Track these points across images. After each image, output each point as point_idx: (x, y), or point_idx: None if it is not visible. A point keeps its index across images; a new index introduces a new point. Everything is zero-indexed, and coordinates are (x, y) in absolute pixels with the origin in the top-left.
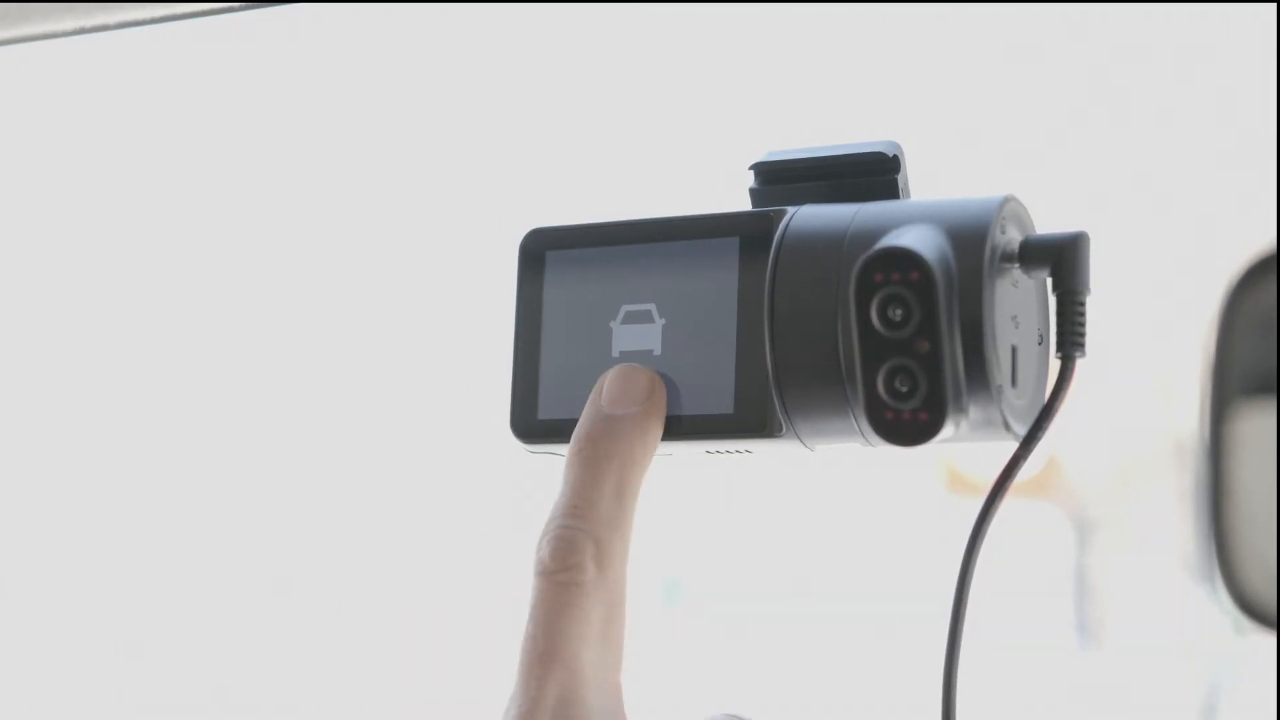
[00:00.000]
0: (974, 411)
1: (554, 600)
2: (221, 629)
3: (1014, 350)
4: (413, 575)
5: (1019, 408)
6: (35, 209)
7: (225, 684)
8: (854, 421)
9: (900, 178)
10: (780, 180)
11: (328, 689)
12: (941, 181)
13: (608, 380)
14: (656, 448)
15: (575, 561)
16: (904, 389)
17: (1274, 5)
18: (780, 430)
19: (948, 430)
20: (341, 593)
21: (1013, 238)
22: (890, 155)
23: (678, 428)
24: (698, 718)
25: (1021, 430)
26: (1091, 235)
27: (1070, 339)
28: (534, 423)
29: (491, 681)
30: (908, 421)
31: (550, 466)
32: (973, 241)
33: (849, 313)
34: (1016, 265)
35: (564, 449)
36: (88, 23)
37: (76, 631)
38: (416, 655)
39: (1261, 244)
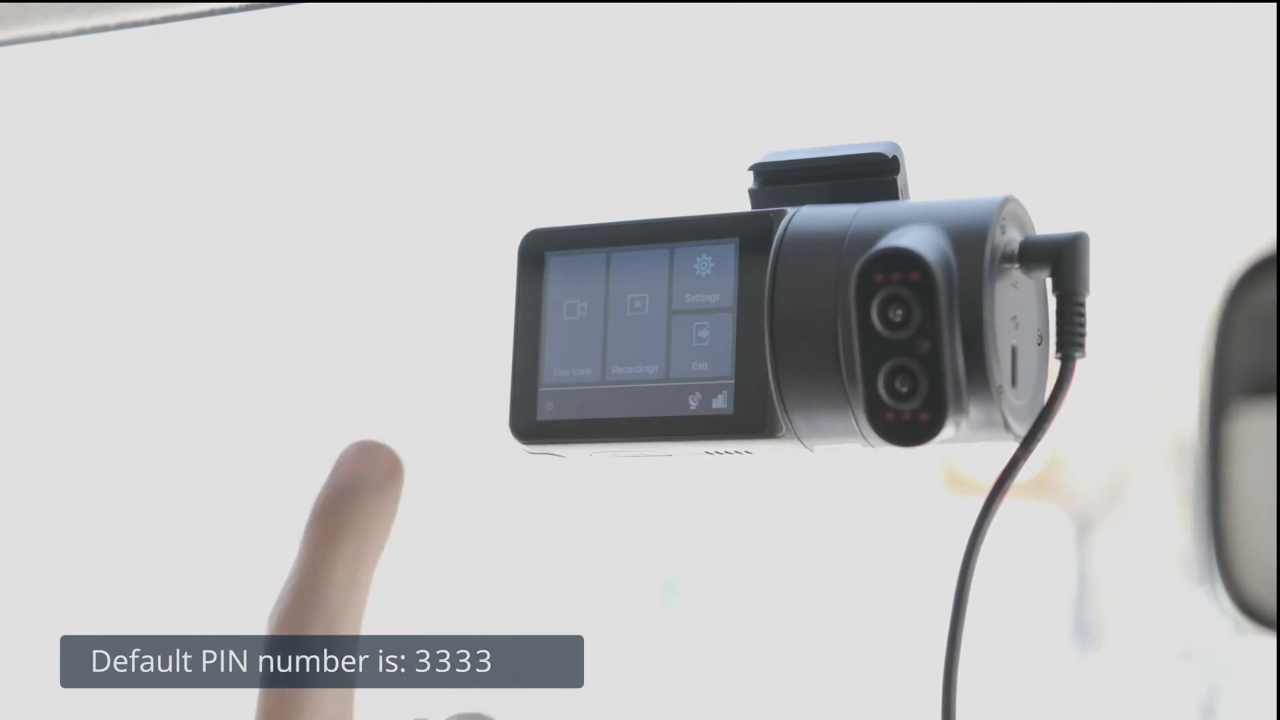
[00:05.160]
0: (974, 412)
1: (284, 695)
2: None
3: (1014, 350)
4: (411, 575)
5: (1019, 408)
6: (35, 210)
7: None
8: (854, 421)
9: (900, 178)
10: (780, 181)
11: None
12: (941, 181)
13: (348, 452)
14: (393, 525)
15: (307, 646)
16: (904, 389)
17: (1274, 5)
18: (780, 430)
19: (948, 430)
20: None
21: (1013, 238)
22: (890, 156)
23: (678, 428)
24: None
25: (1021, 430)
26: (1091, 236)
27: (1070, 339)
28: (533, 423)
29: None
30: (908, 421)
31: (550, 466)
32: (973, 242)
33: (849, 313)
34: (1016, 266)
35: (563, 450)
36: (88, 23)
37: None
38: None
39: (1261, 244)
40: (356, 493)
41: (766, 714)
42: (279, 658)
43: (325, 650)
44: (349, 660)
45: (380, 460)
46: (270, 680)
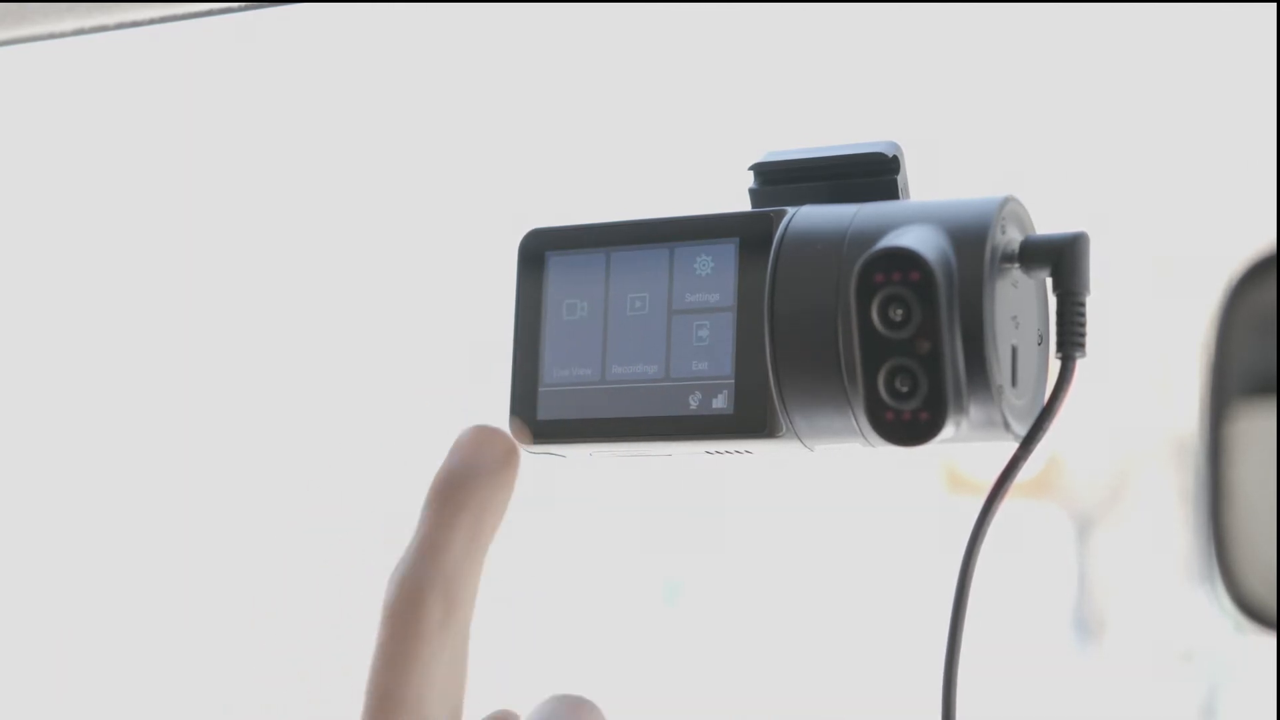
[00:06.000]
0: (974, 411)
1: (400, 643)
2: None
3: (1014, 350)
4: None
5: (1019, 408)
6: (35, 210)
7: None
8: (854, 421)
9: (900, 178)
10: (780, 181)
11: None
12: (941, 181)
13: (465, 435)
14: (509, 504)
15: (423, 604)
16: (904, 389)
17: (1274, 5)
18: (780, 430)
19: (948, 430)
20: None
21: (1013, 238)
22: (890, 155)
23: (678, 428)
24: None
25: (1021, 430)
26: (1091, 235)
27: (1070, 339)
28: (533, 423)
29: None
30: (908, 421)
31: (550, 466)
32: (973, 242)
33: (849, 313)
34: (1017, 265)
35: (563, 450)
36: (88, 23)
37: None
38: None
39: (1261, 244)
40: (473, 473)
41: (768, 713)
42: (395, 620)
43: (441, 615)
44: (463, 627)
45: (495, 445)
46: (385, 642)
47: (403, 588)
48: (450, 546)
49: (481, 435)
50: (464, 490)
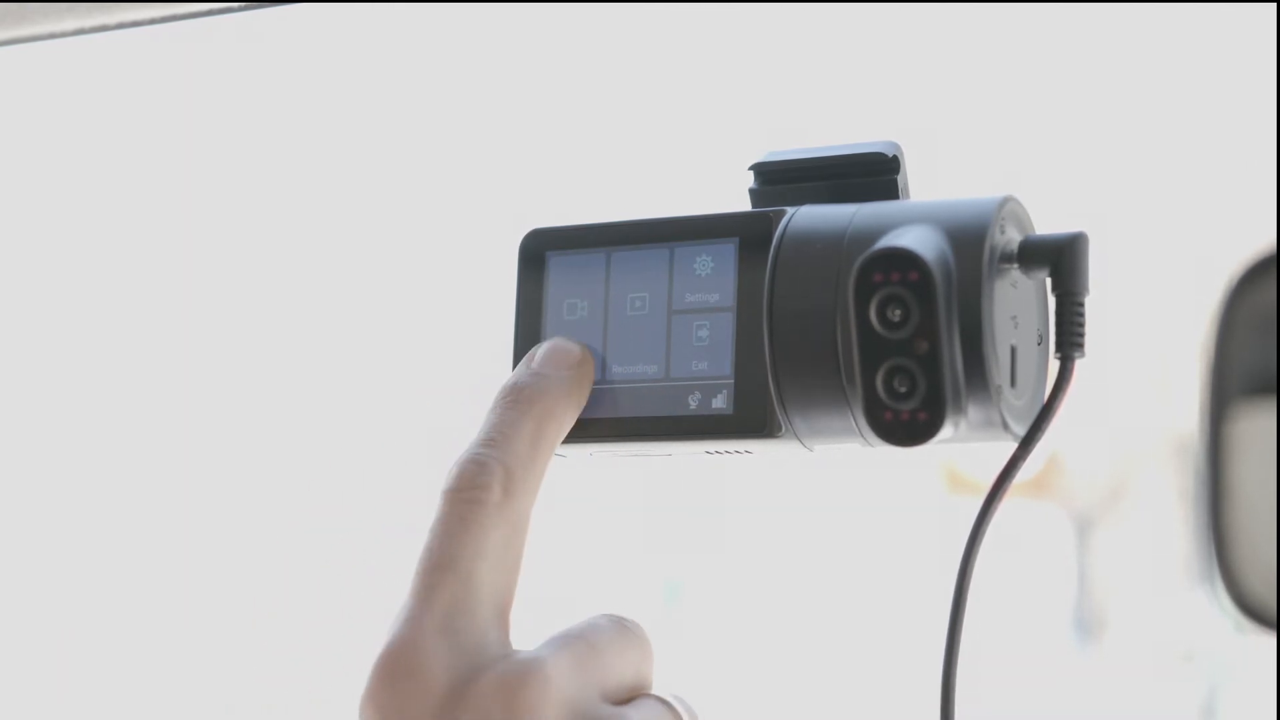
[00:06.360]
0: (973, 412)
1: (455, 516)
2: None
3: (1013, 350)
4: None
5: (1018, 408)
6: (36, 208)
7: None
8: (853, 421)
9: (900, 178)
10: (780, 180)
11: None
12: (941, 181)
13: (542, 347)
14: (577, 412)
15: (482, 482)
16: (903, 389)
17: (1274, 5)
18: (780, 430)
19: (947, 430)
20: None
21: (1012, 238)
22: (890, 155)
23: (678, 428)
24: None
25: (1021, 430)
26: (1091, 235)
27: (1069, 339)
28: None
29: None
30: (907, 422)
31: (550, 466)
32: (972, 242)
33: (848, 313)
34: (1016, 265)
35: (563, 450)
36: (88, 23)
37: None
38: None
39: (1261, 244)
40: (542, 379)
41: (767, 713)
42: (453, 496)
43: (498, 497)
44: (520, 516)
45: (568, 356)
46: (442, 515)
47: (464, 469)
48: (514, 439)
49: (556, 348)
50: (531, 391)
